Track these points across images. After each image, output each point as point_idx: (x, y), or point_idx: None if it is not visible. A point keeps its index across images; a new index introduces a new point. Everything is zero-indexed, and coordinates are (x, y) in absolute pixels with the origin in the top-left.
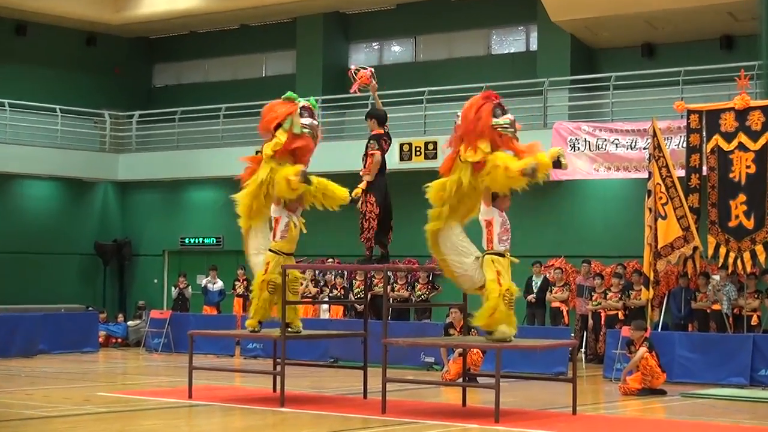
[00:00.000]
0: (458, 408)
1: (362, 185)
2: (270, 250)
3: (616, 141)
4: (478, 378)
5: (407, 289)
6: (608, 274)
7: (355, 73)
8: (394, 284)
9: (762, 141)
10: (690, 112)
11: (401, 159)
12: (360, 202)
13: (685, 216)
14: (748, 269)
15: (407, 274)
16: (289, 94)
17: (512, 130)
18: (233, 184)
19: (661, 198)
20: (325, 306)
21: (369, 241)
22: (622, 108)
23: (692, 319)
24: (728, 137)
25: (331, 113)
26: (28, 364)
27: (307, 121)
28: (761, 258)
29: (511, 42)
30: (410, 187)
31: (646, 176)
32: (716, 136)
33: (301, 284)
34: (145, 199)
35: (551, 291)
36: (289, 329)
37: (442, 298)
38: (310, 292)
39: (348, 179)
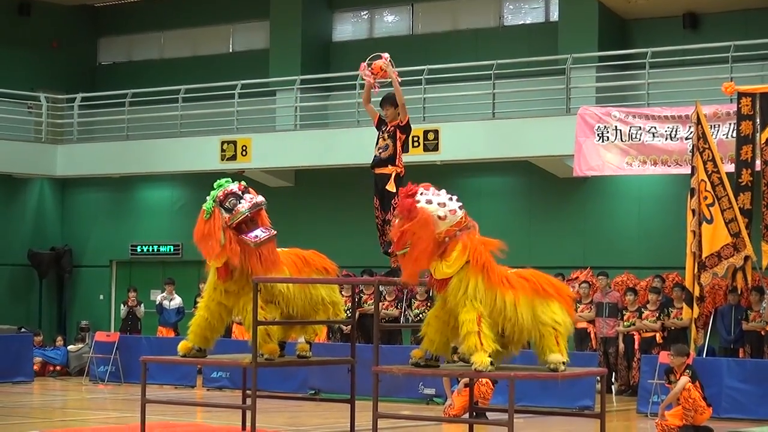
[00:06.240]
0: None
1: (393, 177)
2: None
3: (653, 129)
4: (487, 413)
5: (397, 306)
6: (643, 288)
7: (369, 66)
8: (390, 302)
9: None
10: (741, 94)
11: None
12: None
13: (734, 219)
14: None
15: (403, 289)
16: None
17: None
18: (193, 181)
19: (706, 198)
20: None
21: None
22: (660, 90)
23: (743, 342)
24: None
25: (311, 96)
26: None
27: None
28: None
29: (527, 11)
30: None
31: (689, 172)
32: None
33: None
34: (88, 199)
35: (576, 309)
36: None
37: None
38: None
39: (334, 173)
